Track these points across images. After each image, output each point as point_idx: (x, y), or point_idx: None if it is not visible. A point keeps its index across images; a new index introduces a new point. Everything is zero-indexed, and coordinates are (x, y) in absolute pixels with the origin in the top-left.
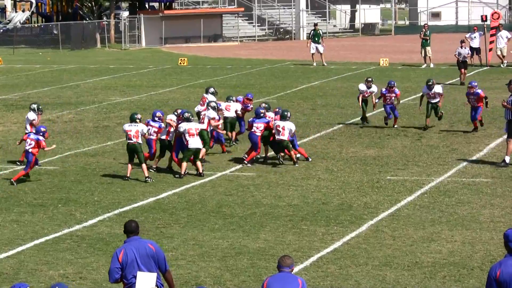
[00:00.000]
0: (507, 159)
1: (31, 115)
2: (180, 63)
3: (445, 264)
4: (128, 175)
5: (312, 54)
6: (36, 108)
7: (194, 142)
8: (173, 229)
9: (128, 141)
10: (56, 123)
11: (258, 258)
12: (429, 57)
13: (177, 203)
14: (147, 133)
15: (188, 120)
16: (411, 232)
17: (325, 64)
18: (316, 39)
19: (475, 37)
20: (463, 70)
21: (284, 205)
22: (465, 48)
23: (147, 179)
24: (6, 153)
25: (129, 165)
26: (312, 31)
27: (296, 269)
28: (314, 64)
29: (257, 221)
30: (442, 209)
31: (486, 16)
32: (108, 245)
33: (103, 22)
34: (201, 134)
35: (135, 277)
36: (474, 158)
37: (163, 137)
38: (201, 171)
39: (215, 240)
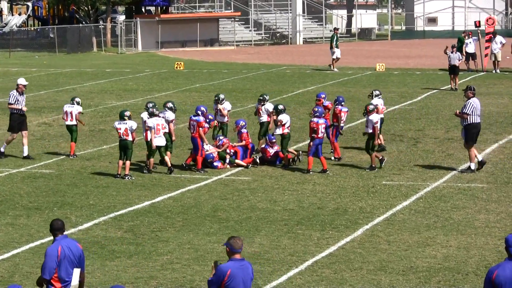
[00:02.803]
0: (473, 166)
1: (79, 107)
2: (177, 67)
3: (440, 269)
4: (119, 172)
5: (336, 59)
6: (80, 101)
7: (159, 140)
8: (168, 233)
9: (119, 138)
10: (52, 127)
11: (253, 262)
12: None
13: (173, 207)
14: (135, 131)
15: (155, 115)
16: (406, 237)
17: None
18: (337, 43)
19: (470, 42)
20: (452, 76)
21: (280, 209)
22: (455, 53)
23: (126, 176)
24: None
25: (120, 162)
26: (335, 36)
27: (291, 273)
28: (336, 69)
29: (253, 225)
30: (437, 214)
31: (479, 22)
32: (103, 248)
33: (99, 26)
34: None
35: (70, 276)
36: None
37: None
38: (151, 167)
39: (210, 244)
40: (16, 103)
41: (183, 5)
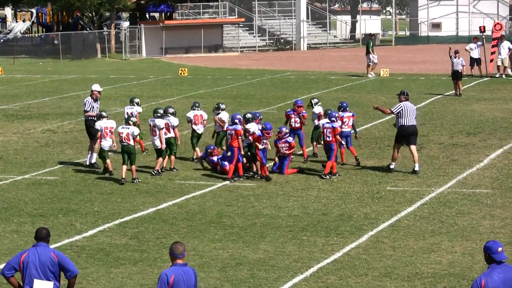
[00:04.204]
0: (417, 166)
1: (139, 108)
2: (181, 73)
3: (445, 275)
4: (123, 176)
5: (373, 64)
6: (139, 102)
7: (106, 143)
8: (173, 239)
9: (121, 143)
10: (56, 133)
11: (258, 269)
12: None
13: (177, 214)
14: (138, 136)
15: (103, 117)
16: (411, 243)
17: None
18: (373, 49)
19: (475, 47)
20: (455, 81)
21: (284, 215)
22: (458, 58)
23: (134, 180)
24: (6, 164)
25: (123, 167)
26: (371, 42)
27: (296, 279)
28: (373, 74)
29: (257, 232)
30: (442, 220)
31: (484, 27)
32: (108, 255)
33: (104, 32)
34: (168, 141)
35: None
36: (474, 169)
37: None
38: (110, 171)
39: (215, 251)
40: (91, 110)
41: (187, 11)
